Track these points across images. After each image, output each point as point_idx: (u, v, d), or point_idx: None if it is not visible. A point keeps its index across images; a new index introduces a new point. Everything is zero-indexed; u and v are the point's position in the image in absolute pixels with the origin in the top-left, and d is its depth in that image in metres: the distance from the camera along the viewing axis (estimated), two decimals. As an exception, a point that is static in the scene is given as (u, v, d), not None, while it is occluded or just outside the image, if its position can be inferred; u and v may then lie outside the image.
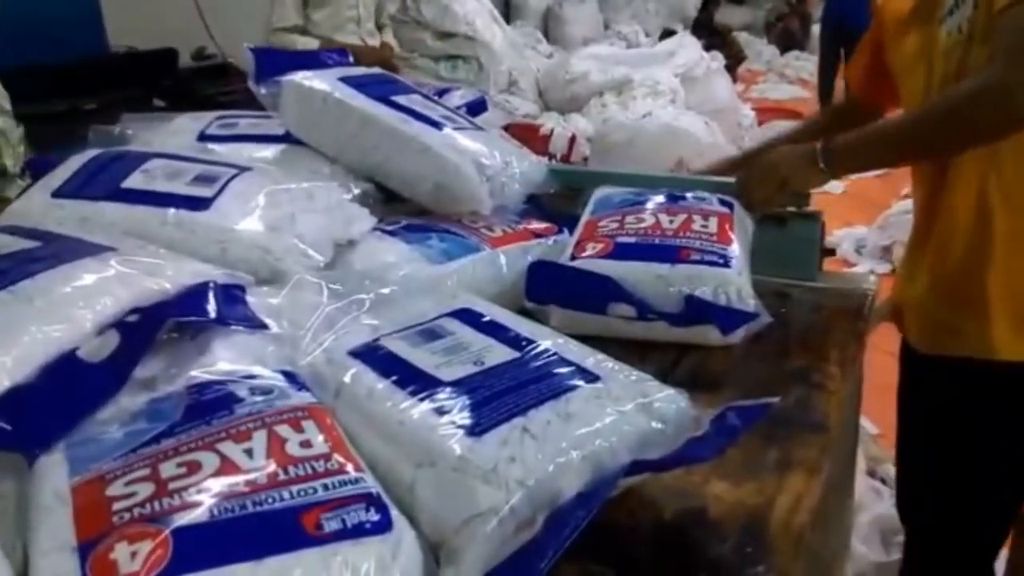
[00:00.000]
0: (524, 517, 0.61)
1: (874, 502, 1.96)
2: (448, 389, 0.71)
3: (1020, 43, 1.02)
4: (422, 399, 0.70)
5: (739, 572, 0.67)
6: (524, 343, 0.79)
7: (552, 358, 0.77)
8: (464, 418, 0.67)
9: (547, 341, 0.80)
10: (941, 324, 1.23)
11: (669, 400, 0.74)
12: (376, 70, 1.40)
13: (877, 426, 2.25)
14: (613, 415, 0.70)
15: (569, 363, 0.77)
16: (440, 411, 0.68)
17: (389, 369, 0.75)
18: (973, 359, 1.18)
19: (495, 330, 0.82)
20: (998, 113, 1.04)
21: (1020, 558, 1.29)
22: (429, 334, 0.81)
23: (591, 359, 0.79)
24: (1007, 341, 1.15)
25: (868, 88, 1.46)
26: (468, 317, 0.85)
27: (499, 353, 0.77)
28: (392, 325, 0.82)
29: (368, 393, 0.73)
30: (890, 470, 2.13)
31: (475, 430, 0.66)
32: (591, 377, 0.75)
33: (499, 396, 0.70)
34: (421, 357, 0.76)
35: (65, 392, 0.66)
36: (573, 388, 0.72)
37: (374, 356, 0.77)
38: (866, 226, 4.10)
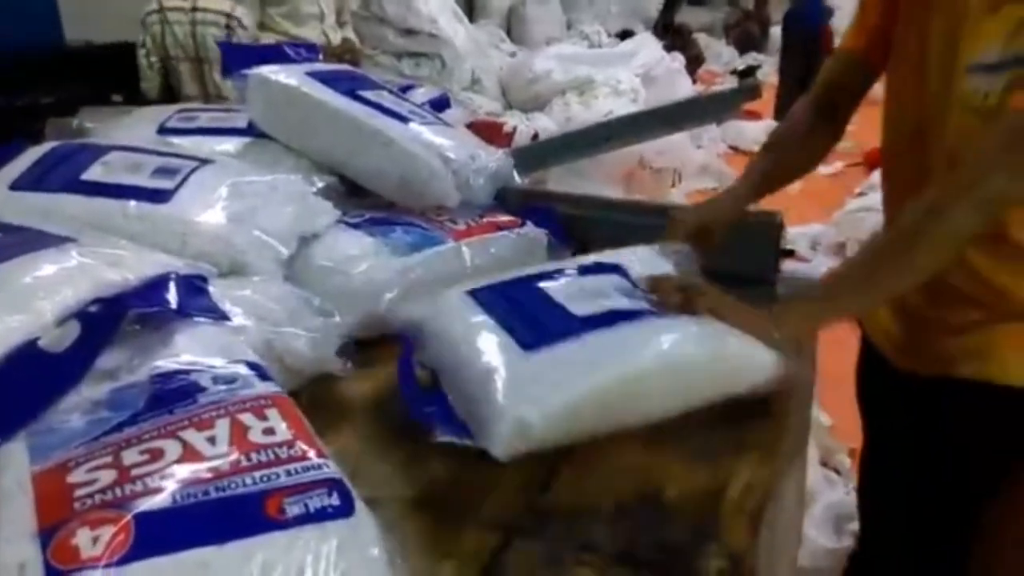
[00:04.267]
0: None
1: (827, 490, 2.01)
2: None
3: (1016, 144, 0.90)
4: None
5: (692, 552, 0.69)
6: None
7: None
8: None
9: None
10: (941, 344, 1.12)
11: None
12: (344, 66, 1.41)
13: (830, 417, 2.30)
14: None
15: None
16: None
17: None
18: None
19: None
20: (981, 211, 0.92)
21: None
22: None
23: None
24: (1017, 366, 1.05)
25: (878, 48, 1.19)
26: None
27: None
28: None
29: None
30: (843, 460, 2.19)
31: None
32: None
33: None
34: None
35: (26, 382, 0.65)
36: None
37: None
38: (821, 223, 4.20)
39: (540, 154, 1.48)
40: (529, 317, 0.84)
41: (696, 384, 0.85)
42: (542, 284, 0.91)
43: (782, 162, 1.33)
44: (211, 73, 3.12)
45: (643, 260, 0.99)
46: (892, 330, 1.22)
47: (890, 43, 1.16)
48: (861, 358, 1.35)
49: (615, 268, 0.96)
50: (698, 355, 0.85)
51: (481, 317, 0.85)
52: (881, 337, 1.26)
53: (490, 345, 0.80)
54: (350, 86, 1.26)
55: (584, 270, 0.95)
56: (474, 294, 0.91)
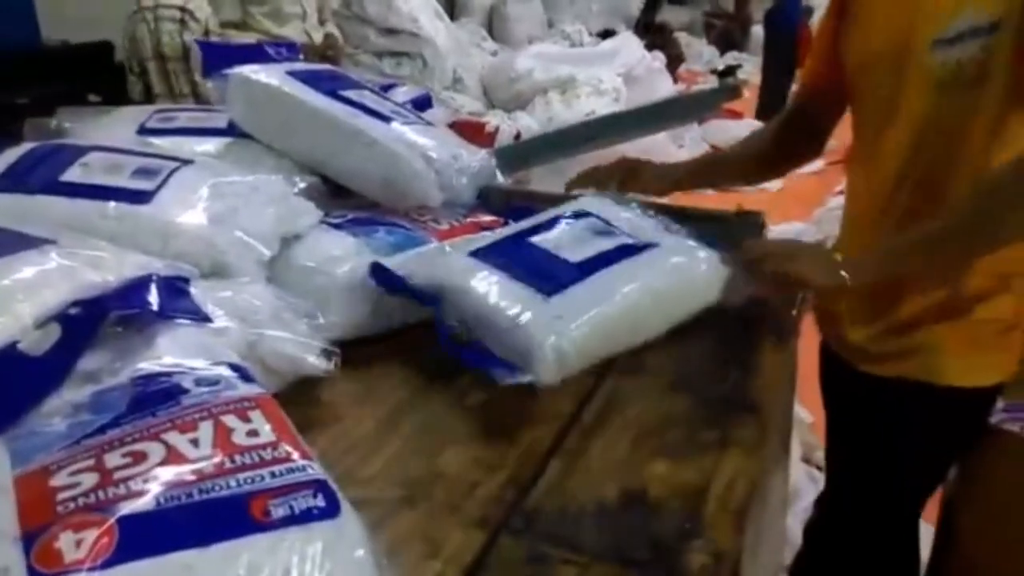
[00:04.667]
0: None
1: (810, 487, 2.03)
2: None
3: None
4: None
5: (677, 549, 0.69)
6: None
7: None
8: None
9: None
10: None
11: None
12: (326, 66, 1.40)
13: (812, 414, 2.32)
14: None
15: None
16: None
17: None
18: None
19: None
20: None
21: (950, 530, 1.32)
22: None
23: None
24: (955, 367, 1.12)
25: (828, 82, 1.27)
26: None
27: None
28: None
29: None
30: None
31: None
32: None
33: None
34: None
35: (6, 385, 0.65)
36: None
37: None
38: (802, 222, 4.24)
39: (523, 154, 1.49)
40: (537, 270, 1.00)
41: (675, 304, 1.06)
42: (532, 239, 1.08)
43: (729, 169, 1.43)
44: (175, 71, 3.16)
45: (601, 205, 1.19)
46: (844, 332, 1.25)
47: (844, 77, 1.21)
48: (821, 357, 1.39)
49: (586, 214, 1.15)
50: (673, 281, 1.06)
51: (497, 275, 0.99)
52: (834, 338, 1.30)
53: (516, 297, 0.95)
54: (332, 86, 1.25)
55: (560, 220, 1.13)
56: (477, 255, 1.03)
